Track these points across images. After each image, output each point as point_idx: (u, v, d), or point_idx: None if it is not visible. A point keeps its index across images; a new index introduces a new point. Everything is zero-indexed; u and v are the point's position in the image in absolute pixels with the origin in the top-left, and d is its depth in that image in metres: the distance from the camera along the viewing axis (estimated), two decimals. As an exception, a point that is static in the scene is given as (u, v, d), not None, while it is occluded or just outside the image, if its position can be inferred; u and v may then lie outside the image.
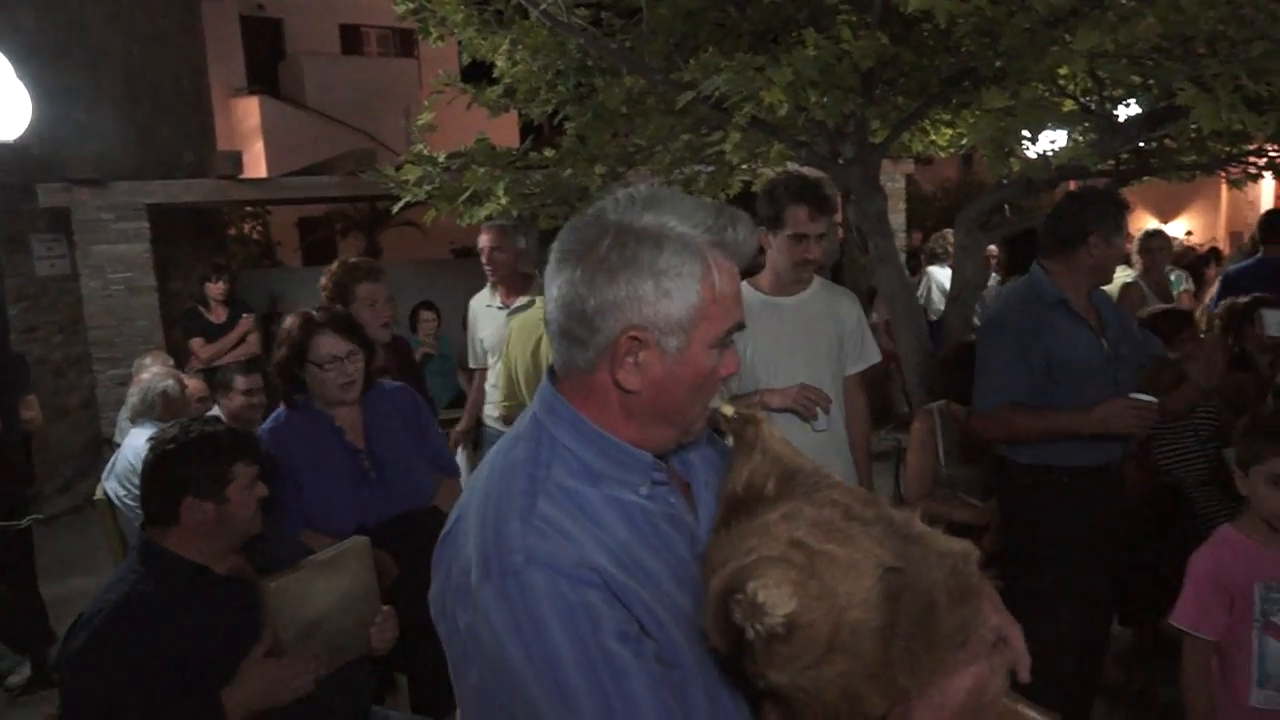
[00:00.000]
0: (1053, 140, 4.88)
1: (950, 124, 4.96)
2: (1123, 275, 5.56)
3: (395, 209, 4.36)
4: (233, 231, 13.32)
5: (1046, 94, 4.23)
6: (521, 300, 3.91)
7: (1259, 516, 2.12)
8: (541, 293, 1.65)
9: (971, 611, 1.02)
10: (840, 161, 4.27)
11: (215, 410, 4.05)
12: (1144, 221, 14.20)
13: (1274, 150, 4.34)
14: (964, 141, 5.05)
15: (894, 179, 8.02)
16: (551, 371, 1.23)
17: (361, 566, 2.20)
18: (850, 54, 3.34)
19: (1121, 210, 2.83)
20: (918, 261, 8.57)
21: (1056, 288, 2.87)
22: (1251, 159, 4.38)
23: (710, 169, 5.09)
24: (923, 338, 4.52)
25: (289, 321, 2.77)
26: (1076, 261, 2.83)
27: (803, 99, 3.40)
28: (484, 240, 4.18)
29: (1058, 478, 2.83)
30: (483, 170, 4.16)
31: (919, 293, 6.98)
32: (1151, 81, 3.52)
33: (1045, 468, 2.84)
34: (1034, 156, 3.99)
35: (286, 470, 2.58)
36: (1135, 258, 5.71)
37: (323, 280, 3.56)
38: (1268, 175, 4.49)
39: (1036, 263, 2.99)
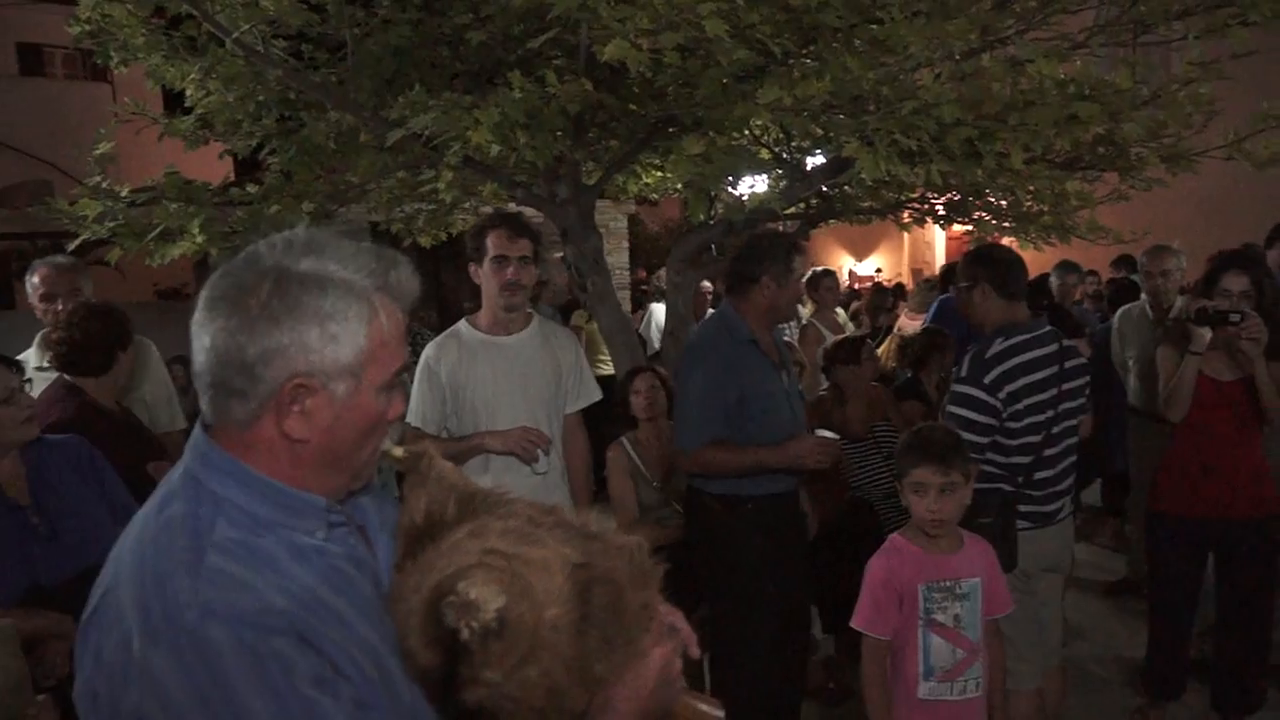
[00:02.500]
0: (751, 185, 5.28)
1: (659, 168, 5.22)
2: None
3: (71, 247, 3.92)
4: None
5: (744, 142, 4.57)
6: None
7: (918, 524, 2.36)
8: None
9: (650, 594, 1.12)
10: (557, 201, 4.36)
11: None
12: (841, 259, 15.68)
13: (935, 198, 4.93)
14: (668, 185, 5.33)
15: (616, 219, 8.32)
16: (203, 423, 1.14)
17: (4, 654, 1.92)
18: (557, 98, 3.43)
19: (792, 253, 3.02)
20: (644, 297, 8.91)
21: (746, 326, 3.04)
22: (915, 205, 4.97)
23: (430, 207, 5.03)
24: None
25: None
26: (754, 300, 3.01)
27: (511, 140, 3.44)
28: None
29: (744, 505, 2.98)
30: (175, 206, 3.84)
31: (640, 328, 7.23)
32: (831, 134, 3.88)
33: (734, 497, 2.98)
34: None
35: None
36: (806, 298, 6.17)
37: None
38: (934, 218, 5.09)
39: (726, 301, 3.17)
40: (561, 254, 6.36)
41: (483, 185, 4.64)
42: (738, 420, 2.95)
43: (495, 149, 3.40)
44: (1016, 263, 2.95)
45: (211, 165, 5.06)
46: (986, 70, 3.25)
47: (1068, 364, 2.83)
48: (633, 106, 4.31)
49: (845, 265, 15.58)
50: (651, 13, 2.82)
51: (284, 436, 1.09)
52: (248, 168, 4.40)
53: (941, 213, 5.01)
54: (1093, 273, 7.77)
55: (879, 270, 13.86)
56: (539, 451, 2.88)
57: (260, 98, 4.02)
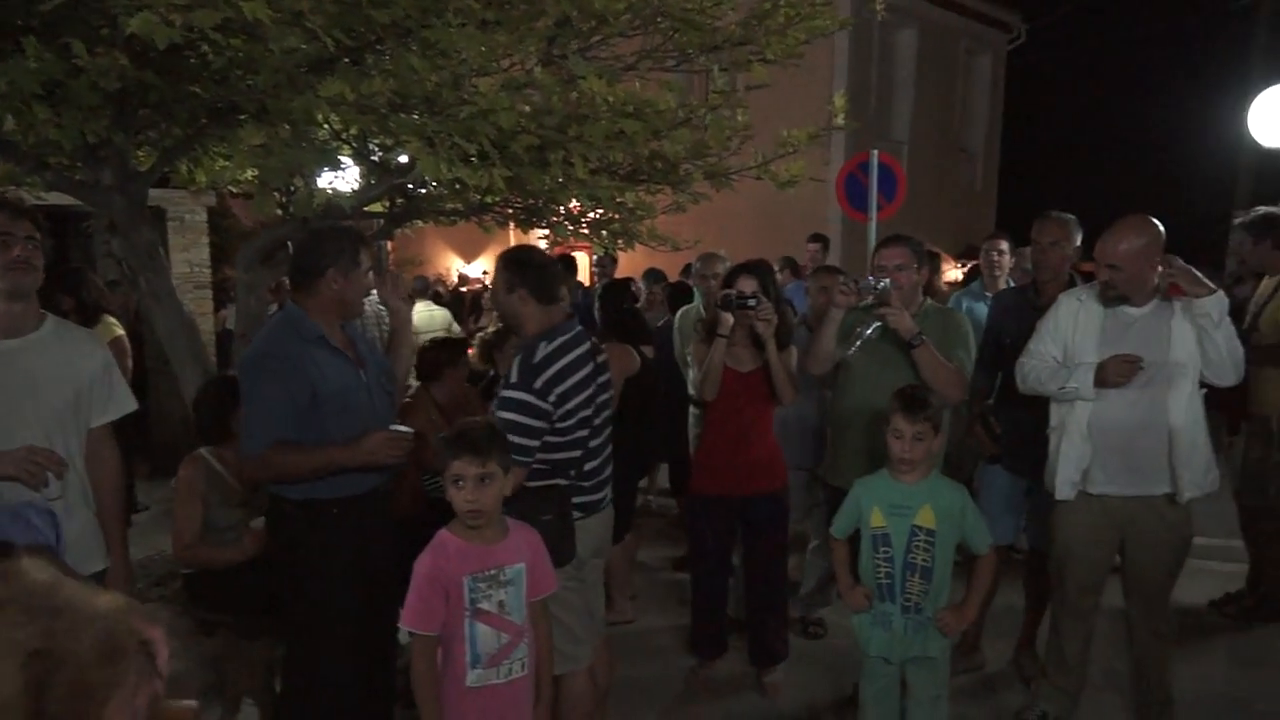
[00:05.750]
0: (331, 181, 5.10)
1: (228, 157, 4.87)
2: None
3: None
4: None
5: (324, 136, 4.40)
6: None
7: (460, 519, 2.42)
8: None
9: (124, 668, 1.01)
10: (99, 189, 3.90)
11: None
12: (451, 261, 15.74)
13: (518, 202, 5.10)
14: (229, 176, 4.99)
15: (194, 211, 7.62)
16: None
17: None
18: (86, 71, 3.06)
19: (357, 245, 2.95)
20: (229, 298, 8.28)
21: (313, 323, 2.92)
22: (497, 209, 5.11)
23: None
24: (210, 376, 4.34)
25: None
26: (320, 295, 2.91)
27: (27, 115, 3.02)
28: None
29: (329, 510, 2.87)
30: None
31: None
32: (397, 135, 3.86)
33: (316, 501, 2.86)
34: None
35: None
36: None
37: None
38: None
39: (291, 299, 3.03)
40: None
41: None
42: (314, 421, 2.82)
43: (9, 122, 2.96)
44: (550, 266, 3.07)
45: None
46: (541, 83, 3.41)
47: (599, 360, 3.06)
48: (196, 90, 3.98)
49: (454, 267, 15.66)
50: (183, -13, 2.62)
51: None
52: None
53: (523, 217, 5.21)
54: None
55: (486, 272, 14.09)
56: (49, 474, 2.51)
57: None
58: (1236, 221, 4.64)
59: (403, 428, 2.83)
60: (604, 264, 8.33)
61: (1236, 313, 4.72)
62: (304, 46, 3.30)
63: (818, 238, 8.21)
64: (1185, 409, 3.19)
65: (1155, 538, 3.33)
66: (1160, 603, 3.47)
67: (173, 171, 4.90)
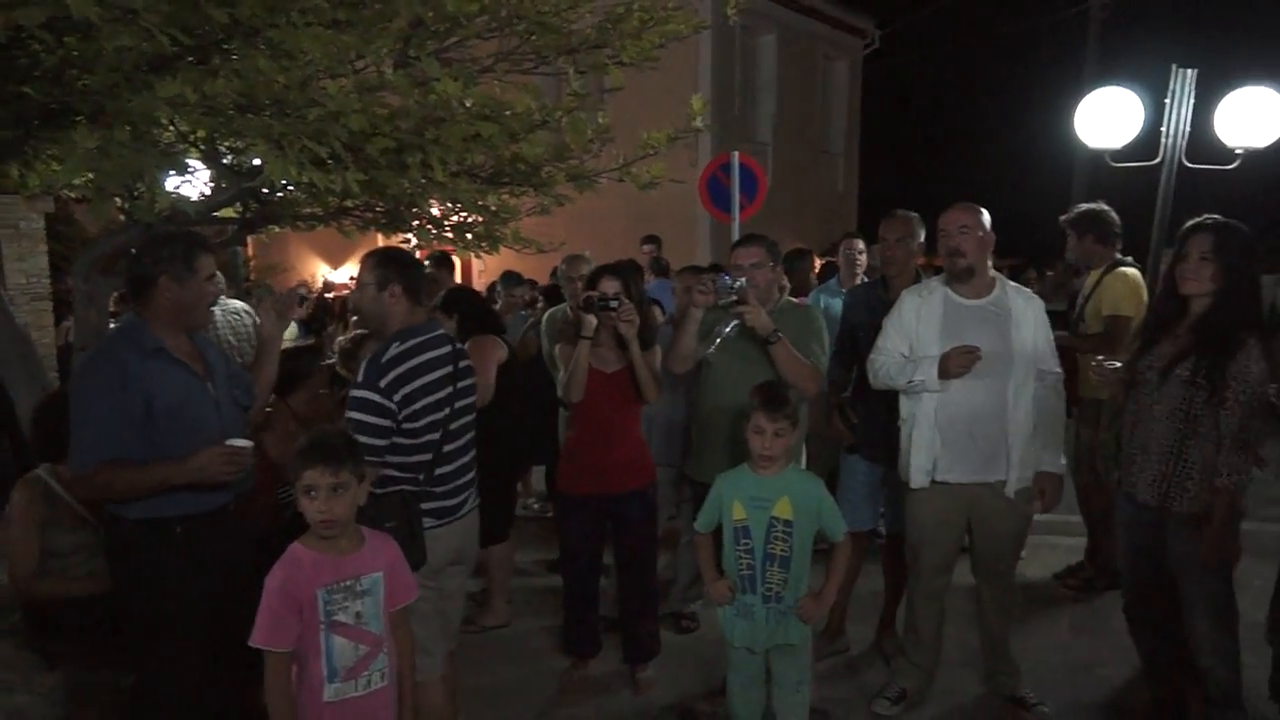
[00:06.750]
0: (179, 185, 4.87)
1: (61, 160, 4.59)
2: None
3: None
4: None
5: (171, 138, 4.19)
6: None
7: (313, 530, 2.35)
8: None
9: None
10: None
11: None
12: (316, 267, 15.27)
13: (379, 206, 4.98)
14: (63, 179, 4.71)
15: (29, 218, 7.16)
16: None
17: None
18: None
19: (194, 250, 2.82)
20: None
21: (152, 334, 2.79)
22: (358, 213, 4.99)
23: None
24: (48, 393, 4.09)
25: None
26: (157, 304, 2.78)
27: None
28: None
29: (171, 528, 2.76)
30: None
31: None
32: (249, 136, 3.72)
33: (159, 520, 2.74)
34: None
35: None
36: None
37: None
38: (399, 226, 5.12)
39: (131, 310, 2.89)
40: None
41: None
42: (150, 435, 2.69)
43: None
44: (420, 266, 3.10)
45: None
46: (392, 85, 3.36)
47: (461, 364, 3.04)
48: (27, 90, 3.74)
49: (320, 273, 15.20)
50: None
51: None
52: None
53: (384, 221, 5.09)
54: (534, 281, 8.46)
55: (352, 278, 13.73)
56: None
57: None
58: (1061, 219, 4.95)
59: (241, 442, 2.69)
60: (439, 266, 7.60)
61: (1073, 303, 5.08)
62: (142, 45, 3.16)
63: (650, 239, 8.33)
64: (1022, 397, 3.40)
65: (998, 520, 3.53)
66: (1006, 579, 3.68)
67: (3, 175, 4.60)
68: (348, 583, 2.34)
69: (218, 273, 3.04)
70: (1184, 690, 3.37)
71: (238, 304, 6.04)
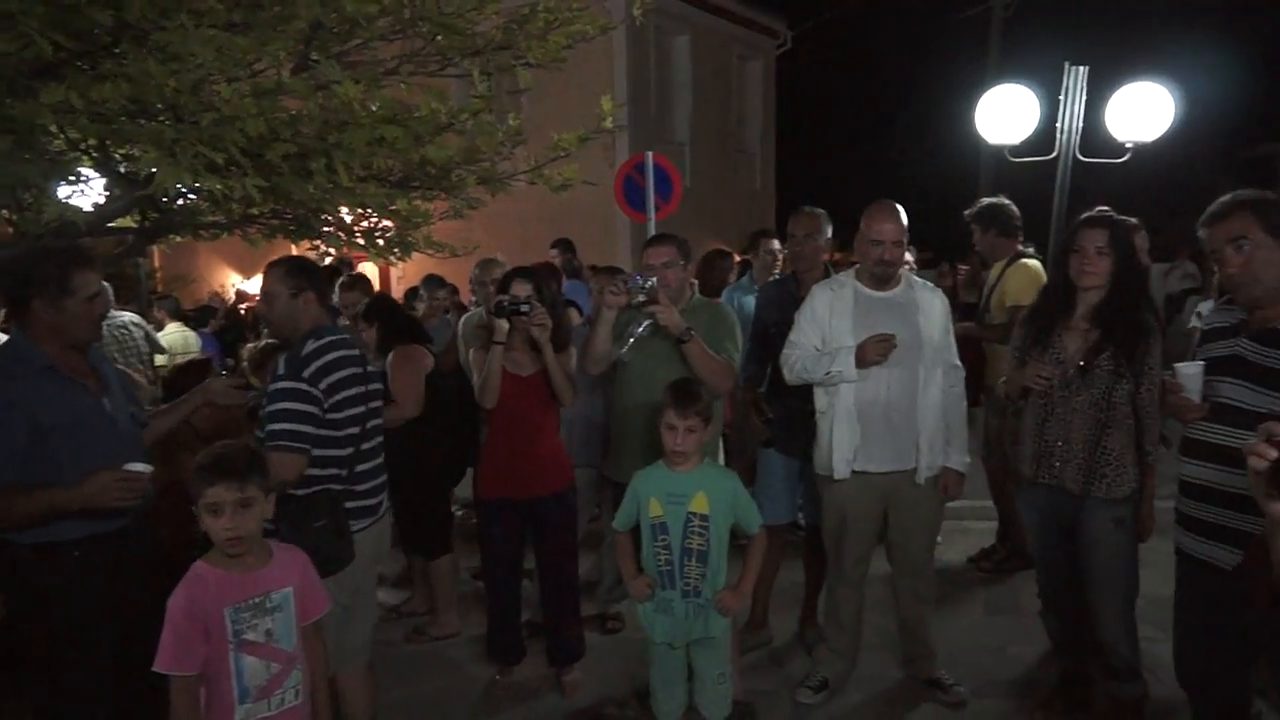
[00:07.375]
0: (69, 195, 4.68)
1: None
2: None
3: None
4: None
5: (61, 146, 4.01)
6: None
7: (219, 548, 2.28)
8: None
9: None
10: None
11: None
12: (227, 277, 14.86)
13: (286, 211, 4.86)
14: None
15: (-88, 233, 6.78)
16: None
17: None
18: None
19: (69, 268, 2.68)
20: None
21: (41, 351, 2.68)
22: (264, 221, 4.85)
23: None
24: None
25: None
26: (34, 325, 2.66)
27: None
28: None
29: (68, 552, 2.64)
30: None
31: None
32: (140, 142, 3.60)
33: (51, 545, 2.62)
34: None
35: None
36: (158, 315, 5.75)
37: None
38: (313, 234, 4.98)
39: (17, 327, 2.77)
40: None
41: None
42: (40, 457, 2.57)
43: None
44: (323, 272, 3.12)
45: None
46: (291, 89, 3.28)
47: (369, 368, 3.08)
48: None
49: (231, 283, 14.79)
50: None
51: None
52: None
53: (291, 229, 4.97)
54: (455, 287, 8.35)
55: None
56: None
57: None
58: (965, 213, 5.09)
59: (139, 466, 2.57)
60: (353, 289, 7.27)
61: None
62: (21, 52, 3.04)
63: (559, 243, 8.32)
64: (931, 384, 3.49)
65: (914, 508, 3.61)
66: (923, 567, 3.77)
67: None
68: (257, 600, 2.28)
69: (105, 286, 2.92)
70: (1088, 664, 3.50)
71: (127, 316, 5.79)
